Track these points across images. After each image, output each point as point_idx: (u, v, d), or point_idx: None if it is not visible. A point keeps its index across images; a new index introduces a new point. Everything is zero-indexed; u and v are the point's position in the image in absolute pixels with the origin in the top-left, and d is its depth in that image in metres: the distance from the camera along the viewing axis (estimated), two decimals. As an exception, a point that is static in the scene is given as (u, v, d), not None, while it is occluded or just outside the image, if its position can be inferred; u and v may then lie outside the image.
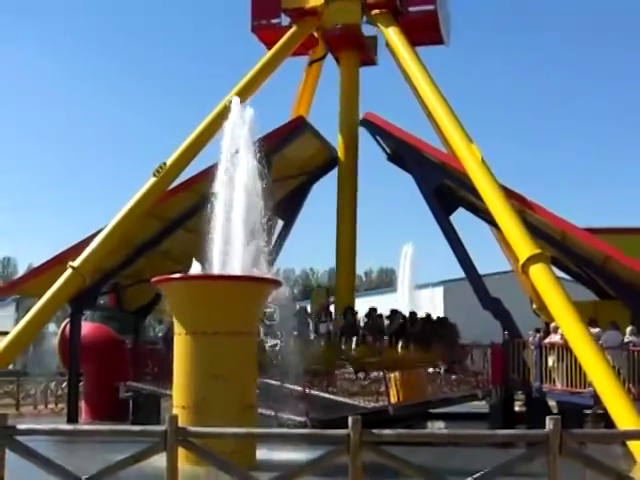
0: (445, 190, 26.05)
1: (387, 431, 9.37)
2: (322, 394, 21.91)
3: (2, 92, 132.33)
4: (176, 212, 26.09)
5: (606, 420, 18.59)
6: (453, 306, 27.68)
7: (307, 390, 20.93)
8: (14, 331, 24.07)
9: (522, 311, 26.95)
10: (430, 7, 28.20)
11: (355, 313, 25.20)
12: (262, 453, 14.74)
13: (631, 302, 22.89)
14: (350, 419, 9.11)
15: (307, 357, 20.24)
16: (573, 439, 9.23)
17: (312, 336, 23.49)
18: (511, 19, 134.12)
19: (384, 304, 28.51)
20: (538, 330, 23.68)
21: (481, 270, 25.58)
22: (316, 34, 29.46)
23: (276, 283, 16.78)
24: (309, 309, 27.21)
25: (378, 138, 27.92)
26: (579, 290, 27.51)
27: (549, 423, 9.03)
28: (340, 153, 29.14)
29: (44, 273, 25.72)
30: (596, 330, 20.56)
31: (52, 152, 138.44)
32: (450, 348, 25.24)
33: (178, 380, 15.67)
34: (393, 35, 27.20)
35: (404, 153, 26.72)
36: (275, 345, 21.83)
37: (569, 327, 19.43)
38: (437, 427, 25.29)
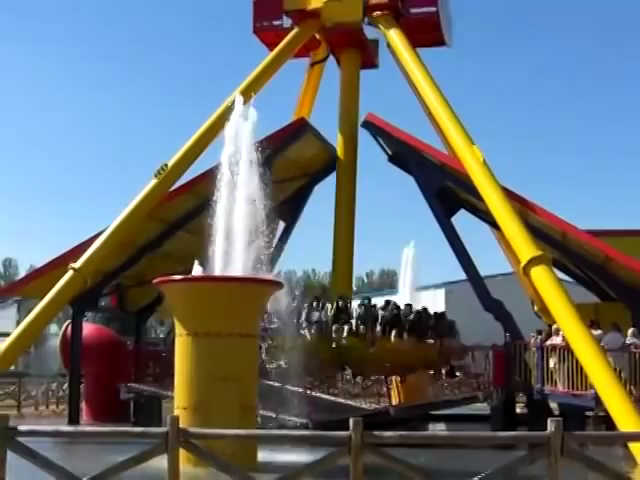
0: (447, 192, 26.04)
1: (388, 433, 9.36)
2: (323, 396, 21.91)
3: (3, 92, 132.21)
4: (178, 213, 26.11)
5: (607, 422, 18.56)
6: (455, 308, 27.65)
7: (308, 392, 20.92)
8: (15, 332, 24.08)
9: (524, 313, 26.93)
10: (432, 8, 28.25)
11: (348, 302, 24.66)
12: (263, 455, 14.73)
13: (632, 304, 22.86)
14: (351, 421, 9.10)
15: (298, 347, 19.84)
16: (574, 441, 9.23)
17: (304, 325, 22.91)
18: (512, 19, 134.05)
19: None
20: (540, 332, 23.65)
21: (482, 272, 25.62)
22: (318, 36, 29.51)
23: (277, 284, 16.77)
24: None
25: (379, 139, 27.93)
26: (580, 292, 27.50)
27: (550, 425, 9.03)
28: (339, 152, 29.17)
29: (45, 274, 25.73)
30: (597, 332, 20.55)
31: (53, 152, 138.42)
32: (448, 342, 24.84)
33: (179, 381, 15.65)
34: (395, 37, 27.24)
35: (405, 154, 26.73)
36: (278, 367, 21.35)
37: (570, 329, 19.42)
38: (438, 429, 25.27)
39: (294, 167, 28.86)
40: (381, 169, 70.79)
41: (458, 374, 26.33)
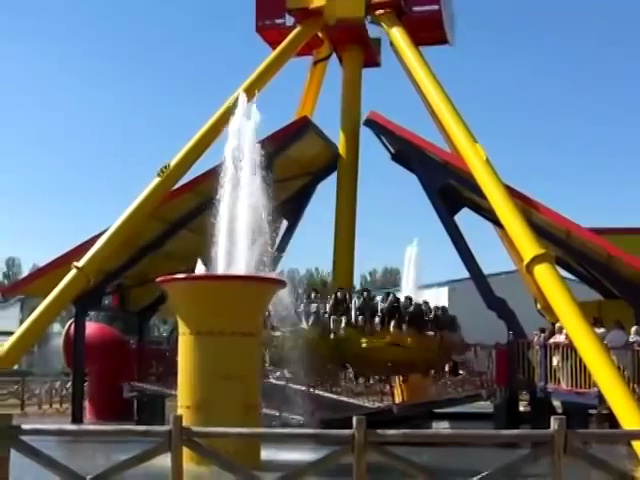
0: (449, 190, 26.04)
1: (391, 431, 9.36)
2: (326, 394, 21.91)
3: (3, 91, 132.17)
4: (180, 212, 26.11)
5: (611, 420, 18.55)
6: (458, 306, 27.63)
7: (311, 390, 20.92)
8: (19, 331, 24.11)
9: (527, 311, 26.91)
10: (434, 7, 28.25)
11: (347, 293, 24.44)
12: (266, 453, 14.74)
13: (636, 301, 22.86)
14: (354, 419, 9.09)
15: (299, 346, 19.68)
16: (578, 439, 9.21)
17: (302, 316, 22.59)
18: (514, 19, 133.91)
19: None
20: (543, 330, 23.65)
21: (486, 270, 25.60)
22: (320, 34, 29.51)
23: (280, 283, 16.79)
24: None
25: (382, 138, 27.93)
26: (583, 290, 27.48)
27: (554, 423, 9.02)
28: (341, 150, 29.15)
29: (48, 273, 25.75)
30: (601, 330, 20.55)
31: (56, 151, 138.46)
32: (448, 335, 24.67)
33: (182, 380, 15.68)
34: (397, 35, 27.23)
35: (408, 153, 26.73)
36: (281, 378, 21.08)
37: (574, 327, 19.40)
38: (442, 427, 25.28)
39: (297, 166, 28.86)
40: (384, 168, 70.48)
41: (461, 372, 26.34)
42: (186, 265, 19.16)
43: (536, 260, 20.68)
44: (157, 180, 24.60)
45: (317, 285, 24.55)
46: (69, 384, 29.31)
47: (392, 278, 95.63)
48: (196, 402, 15.06)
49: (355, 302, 23.55)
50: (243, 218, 16.43)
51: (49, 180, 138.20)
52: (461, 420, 25.58)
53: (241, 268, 16.03)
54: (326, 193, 30.75)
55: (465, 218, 26.83)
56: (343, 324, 22.57)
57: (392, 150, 28.43)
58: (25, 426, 9.94)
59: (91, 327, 27.59)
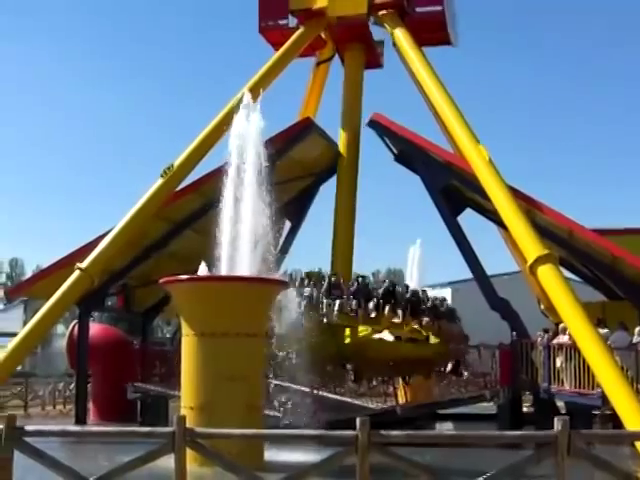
0: (452, 191, 26.03)
1: (395, 432, 9.36)
2: (330, 395, 21.89)
3: (7, 92, 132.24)
4: (184, 213, 26.13)
5: (614, 421, 18.54)
6: (461, 307, 27.60)
7: (315, 391, 20.90)
8: (22, 333, 24.09)
9: (530, 312, 26.90)
10: (437, 7, 28.22)
11: (341, 278, 24.01)
12: (270, 454, 14.74)
13: (639, 302, 22.84)
14: (358, 420, 9.10)
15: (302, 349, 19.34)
16: (581, 440, 9.21)
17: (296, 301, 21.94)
18: (516, 19, 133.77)
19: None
20: (546, 331, 23.64)
21: (489, 271, 25.57)
22: (323, 35, 29.52)
23: (284, 284, 16.80)
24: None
25: (385, 139, 27.92)
26: (587, 291, 27.46)
27: (557, 424, 9.02)
28: (342, 150, 29.08)
29: (52, 275, 25.77)
30: (604, 331, 20.53)
31: (56, 152, 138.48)
32: (446, 325, 24.52)
33: (186, 381, 15.68)
34: (400, 35, 27.22)
35: (411, 153, 26.71)
36: (285, 402, 20.66)
37: (577, 327, 19.39)
38: (445, 428, 25.26)
39: (299, 167, 28.84)
40: (388, 169, 70.87)
41: (465, 373, 26.33)
42: (190, 266, 19.14)
43: (540, 261, 20.66)
44: (161, 181, 24.62)
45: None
46: (72, 385, 29.37)
47: (395, 279, 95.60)
48: (199, 403, 15.06)
49: (350, 287, 23.14)
50: (247, 219, 16.44)
51: (50, 180, 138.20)
52: (465, 421, 25.56)
53: (244, 269, 16.04)
54: (329, 194, 30.71)
55: (468, 219, 26.85)
56: (336, 308, 22.13)
57: (395, 151, 28.42)
58: (28, 427, 9.97)
59: (95, 328, 27.62)
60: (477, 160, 23.18)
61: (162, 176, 24.60)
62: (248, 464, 10.40)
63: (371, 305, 22.73)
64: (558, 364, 21.66)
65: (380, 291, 23.17)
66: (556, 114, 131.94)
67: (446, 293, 47.77)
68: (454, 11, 29.90)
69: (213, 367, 15.12)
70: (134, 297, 28.94)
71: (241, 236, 16.36)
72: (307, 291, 22.37)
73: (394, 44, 27.97)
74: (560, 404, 22.53)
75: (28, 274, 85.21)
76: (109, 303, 30.76)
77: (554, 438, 8.99)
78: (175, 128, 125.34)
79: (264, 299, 16.04)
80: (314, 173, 30.35)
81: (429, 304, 24.32)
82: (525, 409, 24.39)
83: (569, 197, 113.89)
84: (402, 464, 9.28)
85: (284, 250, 28.37)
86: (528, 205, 23.30)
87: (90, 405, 26.76)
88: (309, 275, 23.89)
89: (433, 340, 23.27)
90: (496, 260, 38.10)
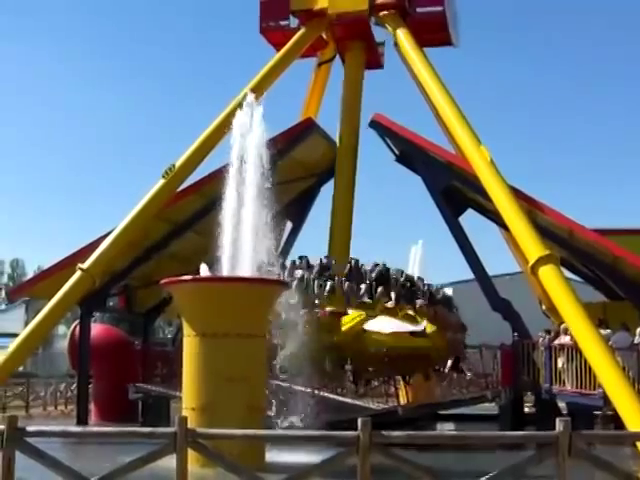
0: (454, 191, 26.03)
1: (396, 433, 9.36)
2: (331, 395, 21.86)
3: (7, 92, 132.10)
4: (185, 214, 26.15)
5: (616, 421, 18.53)
6: (462, 307, 27.58)
7: (316, 391, 20.88)
8: (24, 333, 24.11)
9: (532, 312, 26.89)
10: (439, 8, 28.20)
11: (333, 260, 23.57)
12: (271, 455, 14.74)
13: (640, 303, 22.87)
14: (359, 421, 9.10)
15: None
16: (582, 440, 9.21)
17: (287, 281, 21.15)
18: (516, 19, 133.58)
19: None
20: (548, 331, 23.60)
21: (490, 271, 25.58)
22: (325, 35, 29.51)
23: (285, 285, 16.80)
24: None
25: (387, 139, 27.90)
26: (589, 291, 27.47)
27: (559, 424, 9.02)
28: (340, 149, 29.00)
29: (53, 275, 25.80)
30: (606, 331, 20.51)
31: (56, 152, 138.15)
32: (442, 311, 24.05)
33: (187, 382, 15.68)
34: (402, 36, 27.21)
35: (412, 154, 26.71)
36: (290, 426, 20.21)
37: (579, 328, 19.38)
38: (446, 429, 25.25)
39: (301, 167, 28.84)
40: (390, 169, 70.74)
41: (469, 374, 26.32)
42: (191, 267, 19.14)
43: (541, 261, 20.65)
44: (162, 181, 24.63)
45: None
46: (74, 386, 29.39)
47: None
48: (201, 404, 15.06)
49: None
50: (248, 220, 16.44)
51: (50, 180, 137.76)
52: (466, 422, 25.55)
53: (246, 270, 16.04)
54: (330, 195, 30.70)
55: (469, 219, 26.84)
56: (327, 289, 21.66)
57: (396, 152, 28.40)
58: (30, 428, 9.97)
59: (96, 328, 27.63)
60: (479, 161, 23.16)
61: (164, 177, 24.61)
62: (249, 465, 10.41)
63: (363, 288, 22.14)
64: (560, 365, 21.64)
65: (373, 275, 22.68)
66: (556, 114, 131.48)
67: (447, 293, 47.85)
68: (455, 11, 29.89)
69: (214, 368, 15.12)
70: (135, 298, 28.98)
71: (242, 236, 16.37)
72: (299, 273, 21.93)
73: (395, 44, 27.95)
74: (562, 405, 22.51)
75: (29, 274, 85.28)
76: (111, 304, 30.75)
77: (555, 439, 8.99)
78: (175, 128, 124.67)
79: (265, 300, 16.04)
80: (315, 174, 30.36)
81: (425, 289, 23.73)
82: (527, 410, 24.37)
83: (569, 197, 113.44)
84: (403, 465, 9.27)
85: (285, 251, 28.36)
86: (529, 205, 23.29)
87: (91, 406, 26.78)
88: (301, 258, 23.40)
89: (429, 328, 22.05)
90: (497, 261, 38.14)
